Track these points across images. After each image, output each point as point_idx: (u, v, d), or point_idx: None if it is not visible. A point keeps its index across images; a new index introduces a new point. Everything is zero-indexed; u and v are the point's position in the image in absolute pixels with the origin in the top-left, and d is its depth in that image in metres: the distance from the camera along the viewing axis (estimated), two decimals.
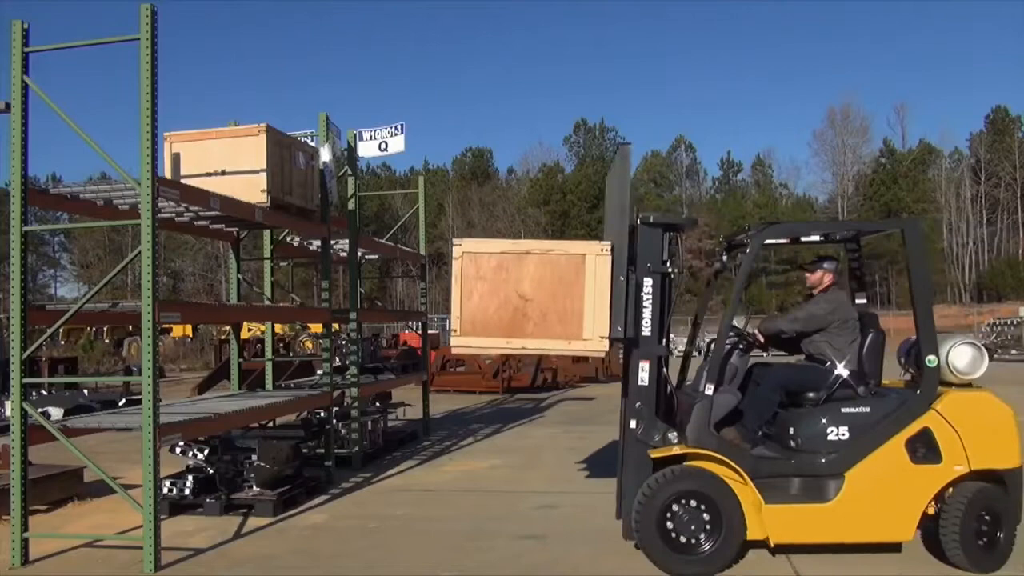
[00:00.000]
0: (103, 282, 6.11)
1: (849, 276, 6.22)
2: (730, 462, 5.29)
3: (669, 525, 5.20)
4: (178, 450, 7.25)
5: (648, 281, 5.50)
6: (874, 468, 5.23)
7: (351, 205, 9.65)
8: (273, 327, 10.67)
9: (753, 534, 5.24)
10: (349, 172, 9.73)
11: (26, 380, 5.68)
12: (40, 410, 5.93)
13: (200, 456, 7.38)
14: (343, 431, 9.34)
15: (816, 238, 6.34)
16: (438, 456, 10.16)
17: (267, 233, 9.59)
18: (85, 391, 13.03)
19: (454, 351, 6.06)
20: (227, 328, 11.13)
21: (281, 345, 22.26)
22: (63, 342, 29.21)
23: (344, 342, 10.85)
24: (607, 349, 5.61)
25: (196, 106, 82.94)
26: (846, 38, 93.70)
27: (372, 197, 53.56)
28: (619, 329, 5.39)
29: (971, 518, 5.13)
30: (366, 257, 12.66)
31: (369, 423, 9.82)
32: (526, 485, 8.28)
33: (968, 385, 5.52)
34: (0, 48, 5.92)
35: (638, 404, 5.47)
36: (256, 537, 6.42)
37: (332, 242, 9.16)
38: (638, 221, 5.56)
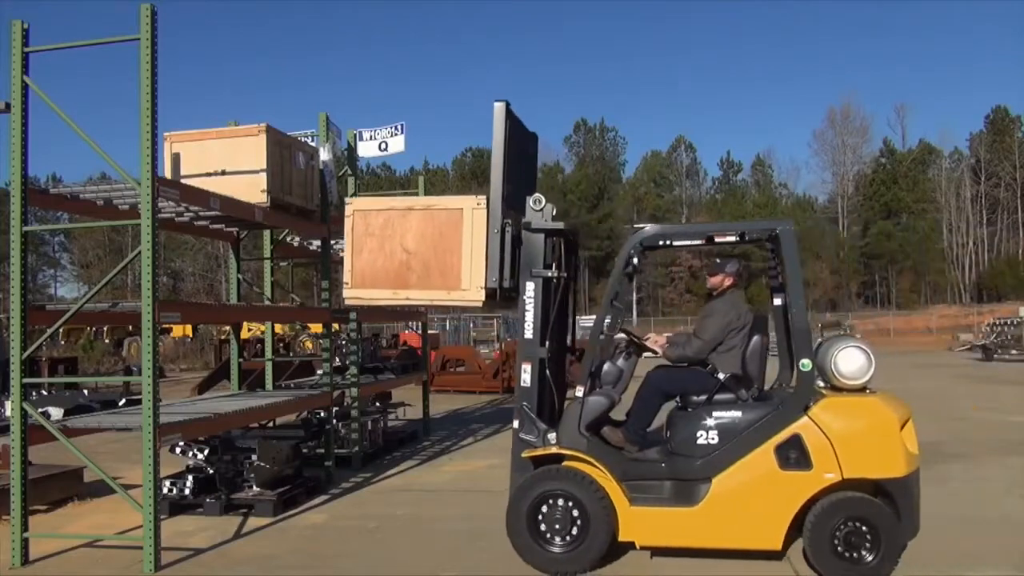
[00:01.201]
0: (103, 282, 6.11)
1: (769, 277, 6.01)
2: (597, 464, 5.28)
3: (540, 523, 5.27)
4: (178, 450, 7.26)
5: (530, 285, 5.54)
6: (741, 474, 5.10)
7: None
8: (273, 327, 10.67)
9: (625, 536, 5.23)
10: (349, 172, 9.73)
11: (26, 380, 5.68)
12: (40, 410, 5.92)
13: (200, 456, 7.39)
14: (343, 431, 9.34)
15: (697, 241, 5.98)
16: (438, 456, 10.16)
17: (267, 233, 9.59)
18: (85, 391, 13.01)
19: (347, 303, 6.36)
20: (227, 328, 11.13)
21: (281, 345, 22.23)
22: (63, 342, 29.21)
23: (344, 342, 10.85)
24: (483, 299, 5.71)
25: (196, 106, 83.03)
26: (846, 38, 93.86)
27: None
28: (494, 279, 5.57)
29: (825, 526, 4.92)
30: None
31: (369, 423, 9.82)
32: None
33: (862, 390, 5.28)
34: (0, 48, 5.94)
35: (522, 404, 5.54)
36: (256, 537, 6.42)
37: (332, 242, 9.16)
38: (522, 225, 5.64)
